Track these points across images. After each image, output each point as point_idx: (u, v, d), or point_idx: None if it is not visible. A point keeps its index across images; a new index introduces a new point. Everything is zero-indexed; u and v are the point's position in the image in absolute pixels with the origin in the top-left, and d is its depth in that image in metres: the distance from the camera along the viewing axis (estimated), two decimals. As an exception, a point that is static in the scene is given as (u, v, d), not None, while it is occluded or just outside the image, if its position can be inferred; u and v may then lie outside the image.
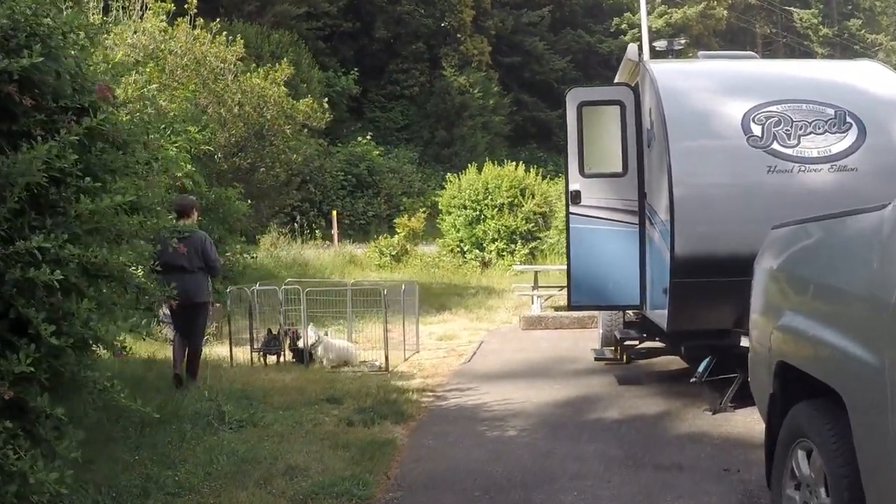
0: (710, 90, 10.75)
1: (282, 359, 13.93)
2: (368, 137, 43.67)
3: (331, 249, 30.66)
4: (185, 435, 8.88)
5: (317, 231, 31.97)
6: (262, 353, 13.98)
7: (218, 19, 22.75)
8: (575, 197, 11.63)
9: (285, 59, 28.19)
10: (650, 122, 10.92)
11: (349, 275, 25.01)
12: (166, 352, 13.96)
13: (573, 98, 11.81)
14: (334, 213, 34.24)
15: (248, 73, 22.38)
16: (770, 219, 6.95)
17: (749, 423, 9.39)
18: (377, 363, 13.46)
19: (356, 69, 49.88)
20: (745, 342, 8.88)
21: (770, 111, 10.01)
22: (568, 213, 11.82)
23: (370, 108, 53.07)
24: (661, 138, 10.20)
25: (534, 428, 9.68)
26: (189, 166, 17.37)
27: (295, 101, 24.02)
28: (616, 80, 13.34)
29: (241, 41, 22.52)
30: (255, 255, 23.99)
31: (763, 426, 6.02)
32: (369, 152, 42.74)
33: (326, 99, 28.03)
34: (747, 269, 6.88)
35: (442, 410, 10.65)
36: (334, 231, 32.93)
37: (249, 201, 22.94)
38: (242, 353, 13.97)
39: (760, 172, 9.76)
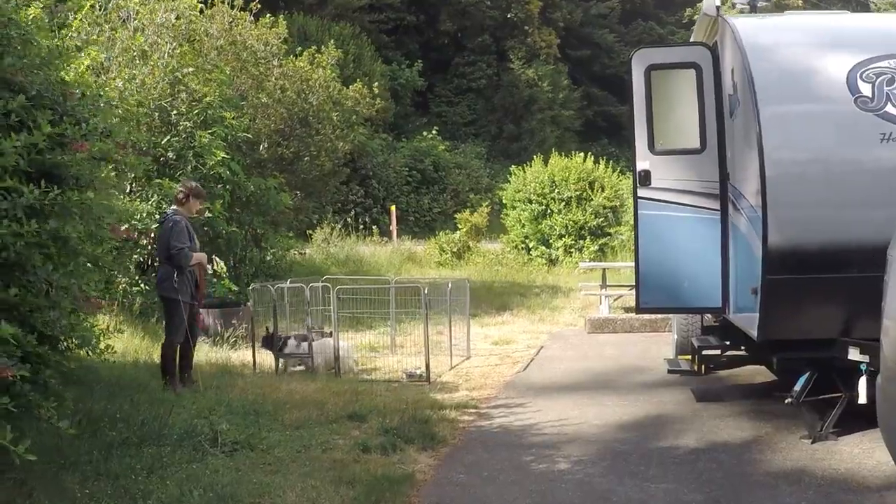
0: (804, 44, 8.91)
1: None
2: (434, 132, 42.23)
3: (388, 246, 29.13)
4: (163, 460, 7.36)
5: (374, 227, 30.48)
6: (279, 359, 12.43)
7: (275, 14, 21.29)
8: (644, 178, 9.85)
9: (339, 48, 26.56)
10: (732, 86, 9.16)
11: (406, 272, 23.51)
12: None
13: (640, 61, 9.99)
14: (392, 207, 32.67)
15: (292, 57, 20.86)
16: (887, 198, 5.23)
17: (857, 456, 7.63)
18: (418, 371, 11.79)
19: (420, 62, 48.40)
20: (854, 355, 7.35)
21: (881, 67, 8.15)
22: (636, 198, 10.04)
23: (436, 103, 51.62)
24: (747, 104, 8.42)
25: (590, 459, 7.89)
26: (223, 154, 16.04)
27: (343, 87, 22.50)
28: (691, 40, 11.53)
29: (284, 24, 20.97)
30: (303, 252, 22.62)
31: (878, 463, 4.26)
32: (435, 147, 41.50)
33: (375, 88, 25.93)
34: (861, 263, 5.16)
35: (482, 433, 8.91)
36: (392, 227, 31.39)
37: (298, 193, 21.59)
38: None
39: (872, 141, 7.89)
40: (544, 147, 43.81)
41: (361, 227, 30.31)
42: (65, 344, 6.45)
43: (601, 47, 58.41)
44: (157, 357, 12.06)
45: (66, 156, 5.86)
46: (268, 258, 18.91)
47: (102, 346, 9.34)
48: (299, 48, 21.91)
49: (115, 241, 9.79)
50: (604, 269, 18.50)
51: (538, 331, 16.27)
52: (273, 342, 12.26)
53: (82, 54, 8.90)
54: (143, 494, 6.55)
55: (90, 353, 9.09)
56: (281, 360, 12.38)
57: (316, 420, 9.02)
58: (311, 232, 27.39)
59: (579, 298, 19.44)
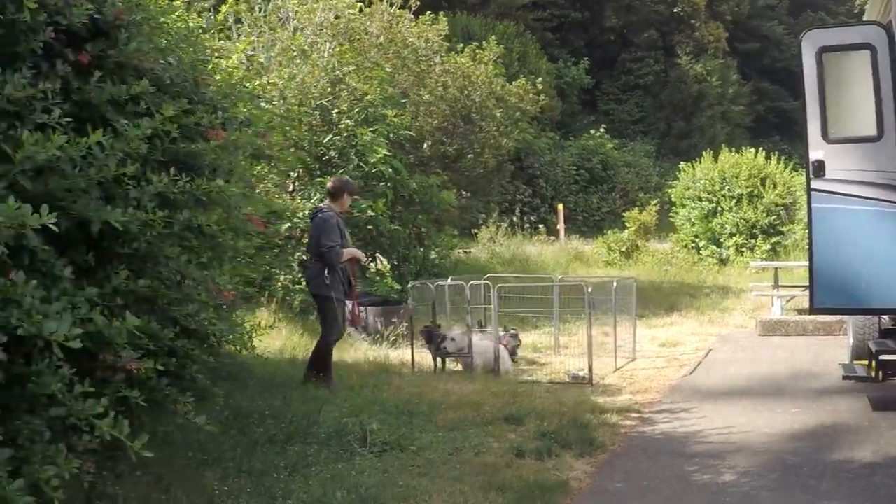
0: None
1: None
2: (602, 130, 41.57)
3: (555, 245, 28.66)
4: (308, 459, 7.18)
5: (540, 226, 30.08)
6: (436, 357, 12.23)
7: (436, 12, 21.13)
8: (817, 169, 9.14)
9: (503, 46, 26.24)
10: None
11: (573, 272, 23.01)
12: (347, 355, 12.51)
13: (811, 42, 9.27)
14: (560, 206, 32.16)
15: (453, 53, 20.66)
16: None
17: None
18: (581, 373, 11.36)
19: (586, 60, 47.73)
20: None
21: None
22: (809, 191, 9.32)
23: (604, 101, 50.99)
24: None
25: (758, 471, 7.30)
26: (384, 151, 15.93)
27: (506, 83, 22.18)
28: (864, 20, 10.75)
29: (444, 20, 20.78)
30: (468, 250, 22.40)
31: None
32: (603, 145, 40.91)
33: (538, 84, 25.46)
34: None
35: (644, 439, 8.41)
36: (560, 225, 30.85)
37: (463, 192, 21.40)
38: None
39: None
40: (714, 144, 42.70)
41: (527, 225, 29.93)
42: (213, 339, 6.23)
43: (770, 40, 56.94)
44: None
45: (198, 144, 5.66)
46: (431, 257, 18.72)
47: (254, 342, 9.40)
48: (460, 45, 21.67)
49: (267, 237, 9.75)
50: (776, 269, 17.68)
51: (707, 333, 15.62)
52: (432, 337, 12.02)
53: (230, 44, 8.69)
54: (283, 493, 6.36)
55: (241, 349, 9.08)
56: (439, 360, 12.15)
57: (471, 421, 8.69)
58: (476, 231, 27.19)
59: (750, 299, 18.60)
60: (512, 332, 12.67)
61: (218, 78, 6.93)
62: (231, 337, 8.66)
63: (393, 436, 7.87)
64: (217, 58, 8.38)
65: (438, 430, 8.35)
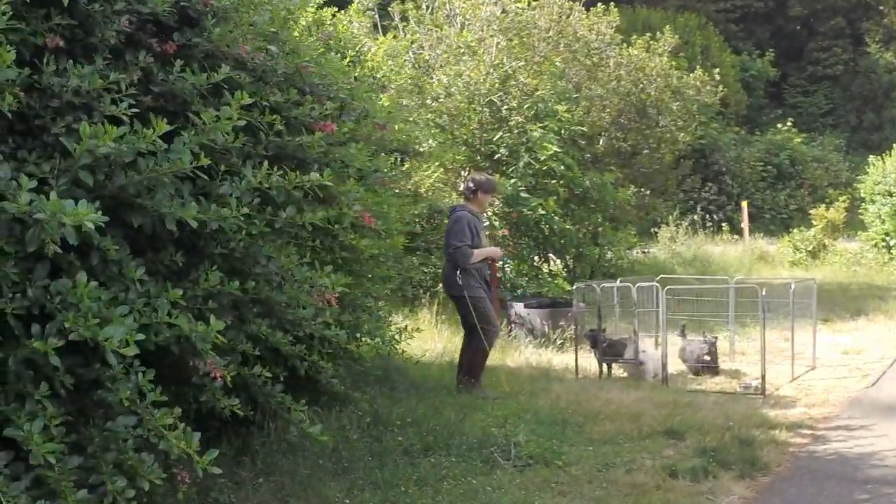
0: None
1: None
2: (789, 124, 39.93)
3: (739, 245, 27.54)
4: (443, 472, 6.74)
5: (723, 225, 28.98)
6: (601, 363, 11.65)
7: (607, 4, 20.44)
8: None
9: (684, 40, 25.34)
10: None
11: (756, 273, 22.00)
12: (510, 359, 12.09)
13: None
14: (744, 203, 30.92)
15: (626, 45, 19.92)
16: None
17: None
18: (753, 383, 10.59)
19: (771, 51, 45.99)
20: None
21: None
22: None
23: (791, 94, 49.02)
24: None
25: (943, 503, 6.47)
26: (555, 148, 15.45)
27: (683, 74, 21.29)
28: None
29: (616, 11, 20.06)
30: (646, 250, 21.66)
31: None
32: (790, 140, 39.15)
33: (716, 74, 24.32)
34: None
35: (813, 460, 7.58)
36: (744, 224, 29.63)
37: (641, 189, 20.66)
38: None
39: None
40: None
41: (709, 224, 28.91)
42: (334, 344, 5.88)
43: (965, 25, 53.24)
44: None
45: (304, 137, 5.27)
46: (607, 257, 18.10)
47: (409, 345, 9.05)
48: (633, 36, 20.90)
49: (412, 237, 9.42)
50: None
51: (895, 339, 14.44)
52: (597, 342, 11.46)
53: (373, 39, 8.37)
54: (403, 511, 5.94)
55: (388, 351, 8.74)
56: (605, 365, 11.58)
57: (627, 435, 8.07)
58: (656, 230, 26.38)
59: None
60: (710, 339, 11.80)
61: (333, 68, 6.50)
62: (375, 340, 8.38)
63: (540, 448, 7.33)
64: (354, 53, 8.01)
65: (591, 444, 7.79)
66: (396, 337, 9.08)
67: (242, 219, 4.48)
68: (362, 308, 7.47)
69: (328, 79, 6.11)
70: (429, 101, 16.71)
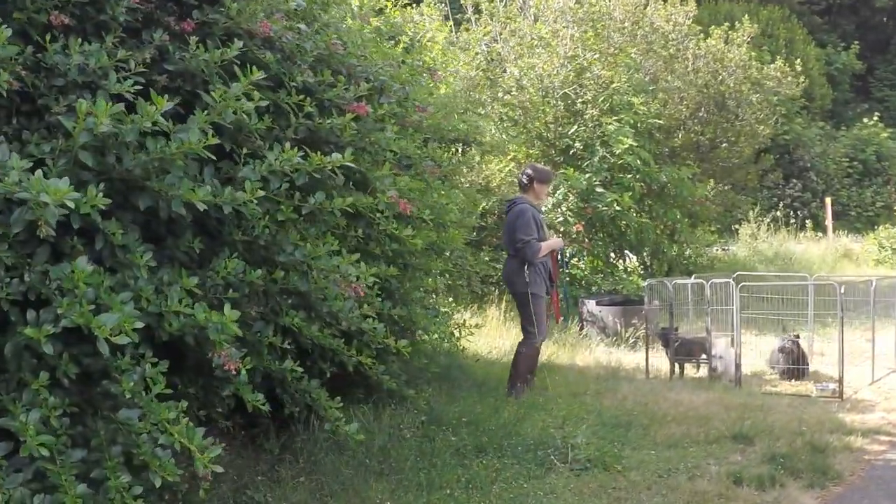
0: None
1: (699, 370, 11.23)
2: (876, 118, 38.82)
3: (822, 242, 26.80)
4: (494, 474, 6.46)
5: (807, 222, 28.26)
6: (673, 363, 11.22)
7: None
8: None
9: (768, 35, 24.67)
10: None
11: (840, 271, 21.33)
12: (579, 357, 11.77)
13: None
14: (828, 200, 30.12)
15: (704, 36, 19.37)
16: None
17: None
18: (830, 385, 10.12)
19: (857, 44, 44.82)
20: None
21: None
22: None
23: (877, 87, 47.46)
24: None
25: None
26: (630, 141, 15.07)
27: (764, 65, 20.65)
28: None
29: (695, 2, 19.51)
30: (726, 248, 21.12)
31: None
32: (877, 135, 38.02)
33: (797, 65, 23.57)
34: None
35: (890, 469, 7.09)
36: (828, 221, 28.87)
37: (723, 185, 20.14)
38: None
39: None
40: None
41: (793, 220, 28.26)
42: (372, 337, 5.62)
43: None
44: (551, 357, 11.45)
45: (334, 119, 5.00)
46: (686, 254, 17.63)
47: (470, 341, 8.75)
48: (711, 27, 20.31)
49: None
50: None
51: None
52: (668, 341, 11.08)
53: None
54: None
55: (449, 347, 8.48)
56: (677, 366, 11.19)
57: (693, 438, 7.69)
58: (737, 227, 25.78)
59: None
60: (792, 337, 11.26)
61: (374, 50, 6.22)
62: (433, 336, 8.12)
63: (599, 451, 7.00)
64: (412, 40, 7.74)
65: (654, 447, 7.43)
66: (455, 333, 8.84)
67: (261, 203, 4.22)
68: (415, 302, 7.18)
69: (367, 61, 5.83)
70: (500, 95, 16.41)
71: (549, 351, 11.88)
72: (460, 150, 8.94)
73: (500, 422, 7.58)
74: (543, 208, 14.87)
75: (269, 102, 4.48)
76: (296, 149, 4.38)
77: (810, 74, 37.31)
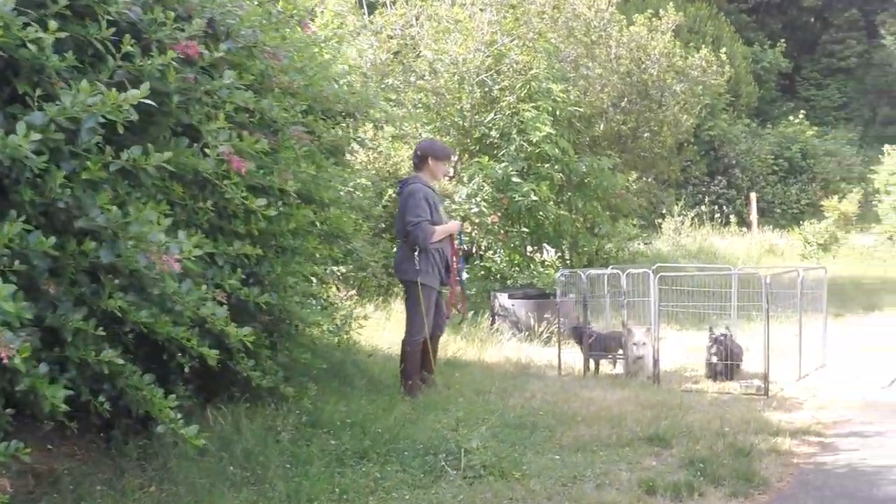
0: None
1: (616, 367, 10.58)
2: (801, 116, 38.86)
3: (747, 238, 26.52)
4: (375, 484, 5.72)
5: (731, 216, 28.00)
6: (588, 359, 10.54)
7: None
8: None
9: (695, 31, 24.21)
10: None
11: (765, 265, 20.79)
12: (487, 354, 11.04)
13: None
14: (753, 195, 29.84)
15: (626, 22, 18.74)
16: None
17: None
18: (755, 382, 9.48)
19: (784, 42, 44.89)
20: None
21: None
22: None
23: (804, 87, 47.57)
24: None
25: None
26: (548, 129, 14.39)
27: (687, 53, 20.10)
28: None
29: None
30: (648, 242, 20.58)
31: None
32: (802, 133, 38.00)
33: (722, 55, 23.12)
34: None
35: (820, 474, 6.40)
36: (752, 216, 28.57)
37: (644, 177, 19.58)
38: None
39: None
40: (918, 134, 39.57)
41: (717, 215, 28.05)
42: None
43: (983, 16, 51.84)
44: (457, 353, 10.73)
45: (155, 59, 4.17)
46: (606, 248, 17.00)
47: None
48: (635, 14, 19.67)
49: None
50: None
51: (915, 336, 13.28)
52: (581, 334, 10.37)
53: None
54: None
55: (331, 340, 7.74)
56: (592, 362, 10.50)
57: (604, 441, 6.96)
58: (660, 221, 25.33)
59: None
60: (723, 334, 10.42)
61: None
62: (322, 328, 7.32)
63: (497, 456, 6.22)
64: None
65: (560, 451, 6.70)
66: (345, 326, 8.07)
67: (64, 157, 3.39)
68: (291, 289, 6.34)
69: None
70: (413, 80, 15.60)
71: (456, 346, 11.20)
72: (349, 124, 8.10)
73: (387, 424, 6.78)
74: (458, 198, 14.25)
75: (69, 35, 3.64)
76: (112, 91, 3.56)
77: (737, 72, 37.26)
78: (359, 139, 8.41)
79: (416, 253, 8.20)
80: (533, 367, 10.48)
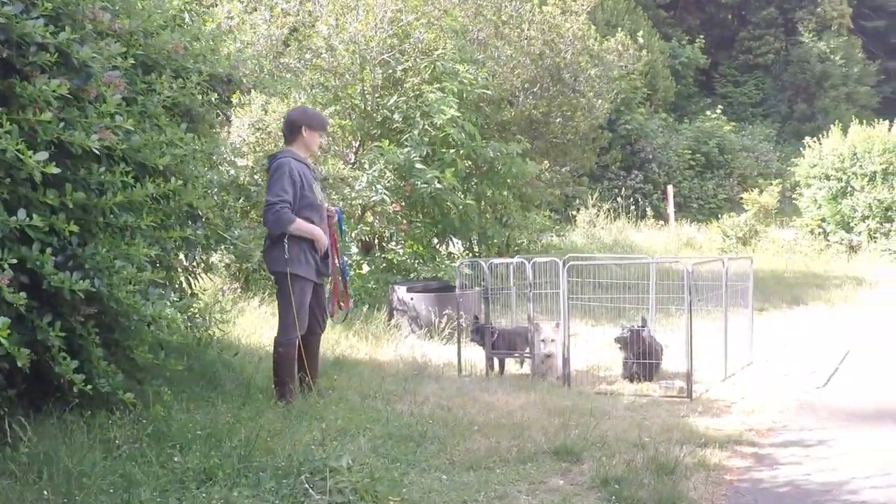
0: None
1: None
2: (719, 111, 38.59)
3: (664, 231, 25.81)
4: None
5: (647, 209, 27.38)
6: (490, 358, 9.49)
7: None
8: None
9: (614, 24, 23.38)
10: None
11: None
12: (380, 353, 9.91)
13: None
14: (670, 187, 29.19)
15: (538, 1, 17.68)
16: None
17: None
18: (677, 383, 8.47)
19: (702, 38, 44.96)
20: None
21: None
22: None
23: (721, 83, 47.85)
24: None
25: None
26: (453, 112, 13.34)
27: (602, 37, 19.19)
28: None
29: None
30: (561, 234, 19.64)
31: None
32: (720, 128, 37.93)
33: (639, 37, 22.34)
34: None
35: (758, 493, 5.35)
36: (669, 209, 27.90)
37: (558, 166, 18.60)
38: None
39: None
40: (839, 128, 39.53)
41: (633, 207, 27.74)
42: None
43: (898, 16, 52.26)
44: (348, 352, 9.62)
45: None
46: (518, 240, 15.96)
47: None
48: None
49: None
50: None
51: (840, 331, 12.44)
52: (483, 332, 9.28)
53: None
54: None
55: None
56: (495, 361, 9.42)
57: (502, 455, 5.87)
58: (574, 213, 24.59)
59: (891, 291, 15.93)
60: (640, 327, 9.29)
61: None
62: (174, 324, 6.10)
63: (371, 477, 5.04)
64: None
65: (449, 469, 5.60)
66: (200, 320, 6.88)
67: None
68: (118, 274, 5.12)
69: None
70: (308, 57, 14.33)
71: (347, 344, 10.06)
72: (221, 92, 6.93)
73: (244, 436, 5.60)
74: (358, 186, 13.09)
75: None
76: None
77: (654, 66, 36.88)
78: (220, 105, 7.20)
79: (284, 239, 7.00)
80: (430, 368, 9.33)
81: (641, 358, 8.82)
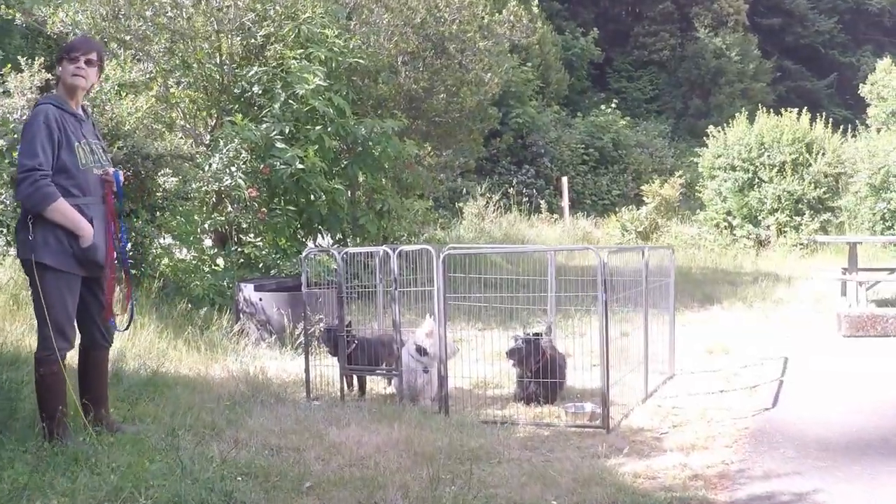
0: None
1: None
2: (613, 106, 37.56)
3: (558, 225, 24.23)
4: None
5: (541, 202, 25.90)
6: (345, 376, 7.39)
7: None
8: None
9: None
10: None
11: (581, 255, 18.16)
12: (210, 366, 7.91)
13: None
14: (564, 179, 27.68)
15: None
16: None
17: None
18: (587, 407, 6.51)
19: (596, 31, 43.91)
20: None
21: None
22: None
23: (615, 78, 46.84)
24: None
25: None
26: (319, 82, 11.46)
27: (495, 12, 17.51)
28: None
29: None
30: (446, 226, 18.04)
31: None
32: (614, 123, 36.61)
33: (534, 8, 20.83)
34: None
35: None
36: (564, 202, 26.36)
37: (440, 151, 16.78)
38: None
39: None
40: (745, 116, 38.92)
41: (525, 200, 26.48)
42: None
43: (793, 16, 52.13)
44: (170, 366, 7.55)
45: None
46: (398, 232, 13.97)
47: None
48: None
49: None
50: (853, 245, 12.50)
51: (765, 332, 10.81)
52: (336, 341, 7.24)
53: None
54: None
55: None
56: (354, 378, 7.39)
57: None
58: (460, 204, 23.21)
59: (810, 288, 14.41)
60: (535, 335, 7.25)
61: None
62: None
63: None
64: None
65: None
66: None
67: None
68: None
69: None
70: (149, 14, 12.13)
71: (173, 355, 7.93)
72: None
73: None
74: (209, 168, 11.06)
75: None
76: None
77: (547, 58, 35.91)
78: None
79: (28, 218, 4.96)
80: (274, 387, 7.20)
81: (541, 375, 6.82)
